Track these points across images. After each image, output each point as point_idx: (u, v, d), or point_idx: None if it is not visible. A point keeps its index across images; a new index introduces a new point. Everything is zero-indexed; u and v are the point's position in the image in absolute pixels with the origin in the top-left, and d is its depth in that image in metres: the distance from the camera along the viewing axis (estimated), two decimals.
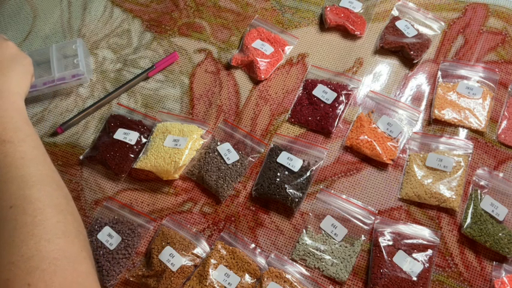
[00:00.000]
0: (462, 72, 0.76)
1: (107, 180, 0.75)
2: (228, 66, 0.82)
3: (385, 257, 0.63)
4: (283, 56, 0.82)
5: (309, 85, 0.78)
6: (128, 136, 0.76)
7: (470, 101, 0.73)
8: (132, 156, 0.74)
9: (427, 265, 0.63)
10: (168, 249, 0.66)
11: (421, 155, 0.70)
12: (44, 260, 0.47)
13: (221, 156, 0.73)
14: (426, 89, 0.77)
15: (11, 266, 0.46)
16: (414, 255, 0.63)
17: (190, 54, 0.85)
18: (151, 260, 0.66)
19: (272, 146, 0.74)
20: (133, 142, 0.75)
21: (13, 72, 0.66)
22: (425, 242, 0.64)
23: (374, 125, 0.73)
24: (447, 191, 0.67)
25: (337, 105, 0.75)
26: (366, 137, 0.72)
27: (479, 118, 0.72)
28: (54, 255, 0.48)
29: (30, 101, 0.82)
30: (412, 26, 0.81)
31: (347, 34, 0.83)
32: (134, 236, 0.69)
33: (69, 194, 0.58)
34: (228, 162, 0.72)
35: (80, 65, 0.80)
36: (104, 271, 0.66)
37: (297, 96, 0.78)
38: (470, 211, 0.66)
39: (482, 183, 0.68)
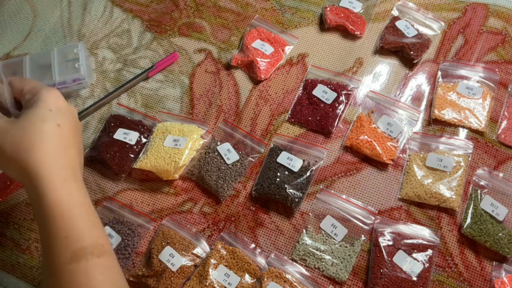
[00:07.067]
0: (462, 72, 0.76)
1: (107, 180, 0.75)
2: (228, 66, 0.82)
3: (385, 257, 0.63)
4: (283, 56, 0.82)
5: (309, 85, 0.78)
6: (128, 136, 0.76)
7: (470, 101, 0.73)
8: (132, 156, 0.74)
9: (427, 265, 0.63)
10: (168, 249, 0.66)
11: (421, 155, 0.70)
12: None
13: (221, 156, 0.73)
14: (426, 89, 0.77)
15: None
16: (414, 255, 0.63)
17: (190, 54, 0.85)
18: (151, 260, 0.66)
19: (272, 146, 0.74)
20: (133, 142, 0.75)
21: (73, 148, 0.54)
22: (425, 242, 0.64)
23: (374, 125, 0.73)
24: (447, 191, 0.67)
25: (337, 105, 0.75)
26: (366, 137, 0.72)
27: (479, 118, 0.72)
28: None
29: None
30: (412, 26, 0.81)
31: (347, 34, 0.83)
32: (134, 236, 0.69)
33: None
34: (228, 162, 0.72)
35: (81, 69, 0.80)
36: None
37: (297, 96, 0.78)
38: (470, 211, 0.66)
39: (482, 183, 0.68)
